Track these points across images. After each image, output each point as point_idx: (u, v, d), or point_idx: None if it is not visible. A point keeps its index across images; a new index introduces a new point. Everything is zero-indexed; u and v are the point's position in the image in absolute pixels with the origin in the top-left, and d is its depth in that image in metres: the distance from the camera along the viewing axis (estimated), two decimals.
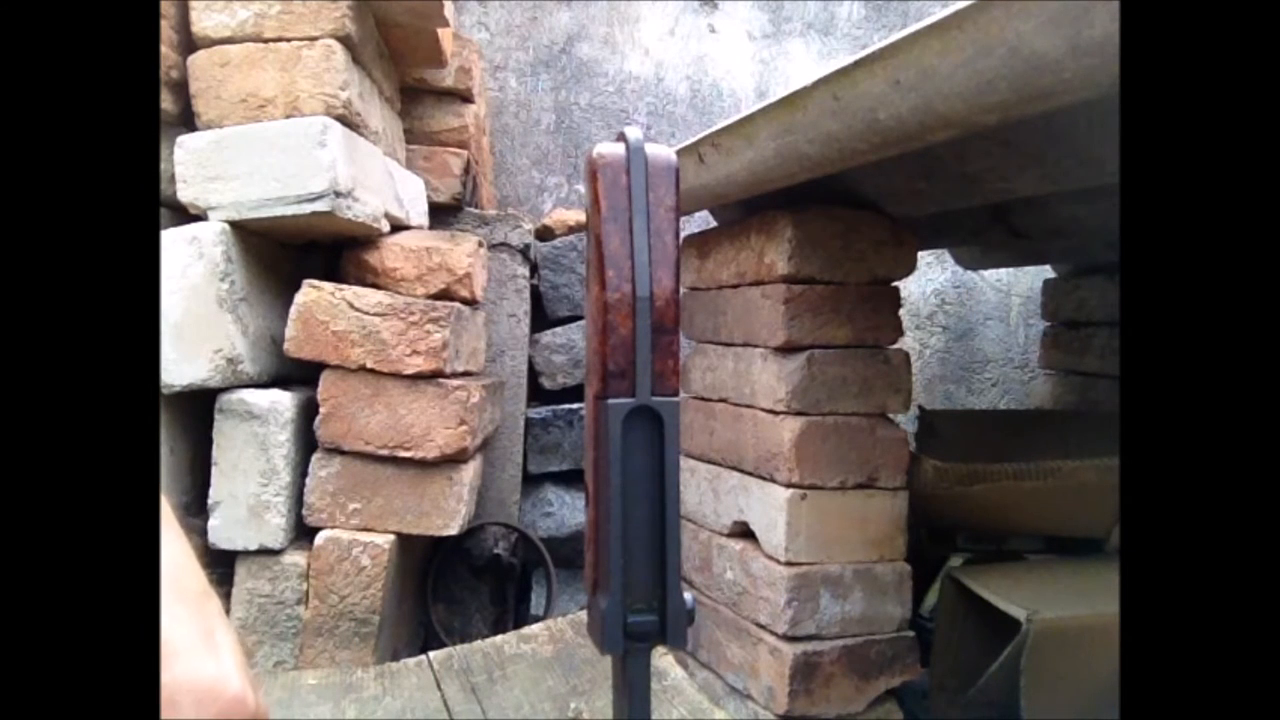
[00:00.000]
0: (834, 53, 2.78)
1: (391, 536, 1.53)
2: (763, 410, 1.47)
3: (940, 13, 0.86)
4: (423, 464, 1.54)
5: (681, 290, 1.56)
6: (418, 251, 1.64)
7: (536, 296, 2.21)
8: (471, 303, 1.71)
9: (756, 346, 1.49)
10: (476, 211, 2.14)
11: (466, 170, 2.11)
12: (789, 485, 1.40)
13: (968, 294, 2.84)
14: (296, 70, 1.50)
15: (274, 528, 1.48)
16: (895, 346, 1.48)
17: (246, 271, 1.49)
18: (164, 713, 0.21)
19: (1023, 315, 2.83)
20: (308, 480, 1.52)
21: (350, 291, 1.52)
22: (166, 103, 1.54)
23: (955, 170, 1.25)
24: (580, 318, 2.22)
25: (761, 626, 1.45)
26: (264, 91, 1.50)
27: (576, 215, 2.39)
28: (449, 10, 1.90)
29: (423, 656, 1.44)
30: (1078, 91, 0.78)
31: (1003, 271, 2.75)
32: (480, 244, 1.74)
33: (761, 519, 1.47)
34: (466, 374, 1.70)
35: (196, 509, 1.48)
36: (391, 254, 1.63)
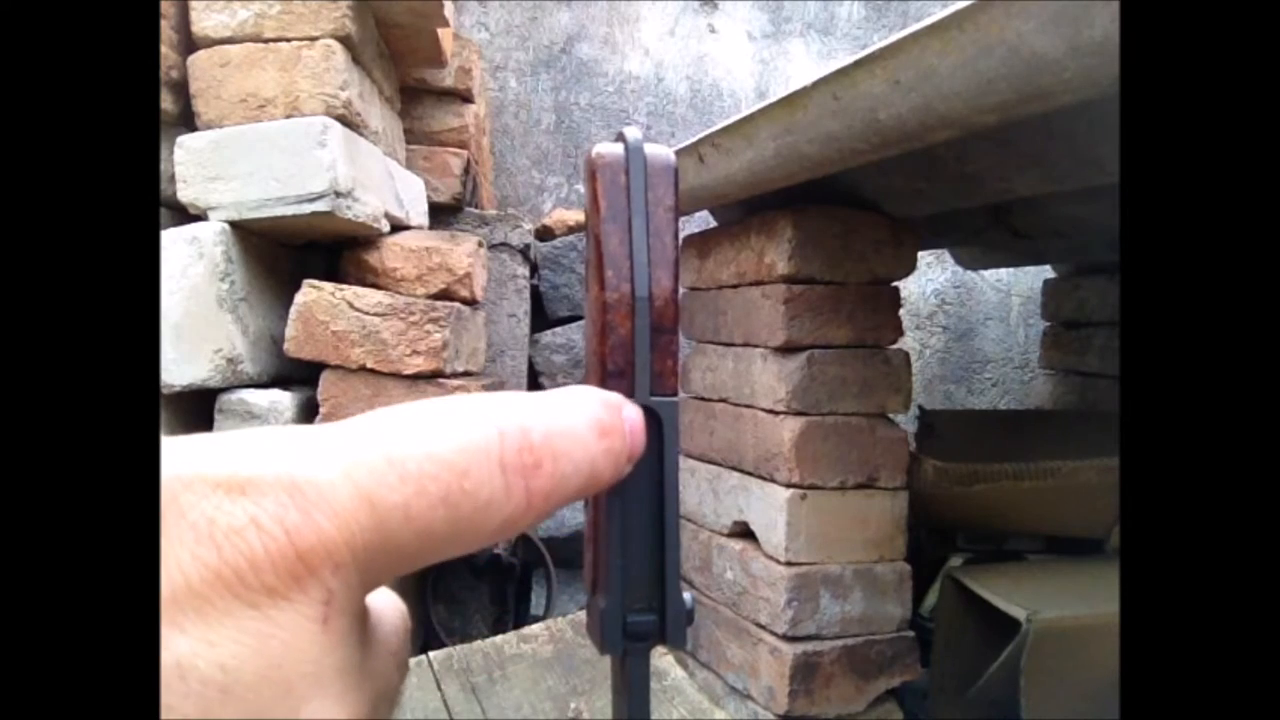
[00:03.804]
0: (834, 53, 2.78)
1: None
2: (763, 410, 1.47)
3: (940, 13, 0.86)
4: None
5: (681, 290, 1.55)
6: (418, 251, 1.64)
7: (536, 296, 2.21)
8: (471, 303, 1.71)
9: (756, 346, 1.49)
10: (476, 211, 2.14)
11: (466, 170, 2.11)
12: (789, 485, 1.40)
13: (968, 294, 2.84)
14: (296, 70, 1.50)
15: None
16: (895, 346, 1.48)
17: (246, 271, 1.49)
18: None
19: (1023, 315, 2.83)
20: None
21: (350, 291, 1.52)
22: (166, 103, 1.54)
23: (955, 170, 1.25)
24: (580, 317, 2.22)
25: (761, 626, 1.45)
26: (264, 91, 1.50)
27: (576, 215, 2.39)
28: (449, 10, 1.90)
29: (423, 656, 1.44)
30: (1078, 91, 0.78)
31: (1003, 271, 2.75)
32: (480, 244, 1.74)
33: (761, 519, 1.47)
34: (466, 374, 1.70)
35: None
36: (391, 254, 1.63)
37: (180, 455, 0.16)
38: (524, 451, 0.19)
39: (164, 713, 0.15)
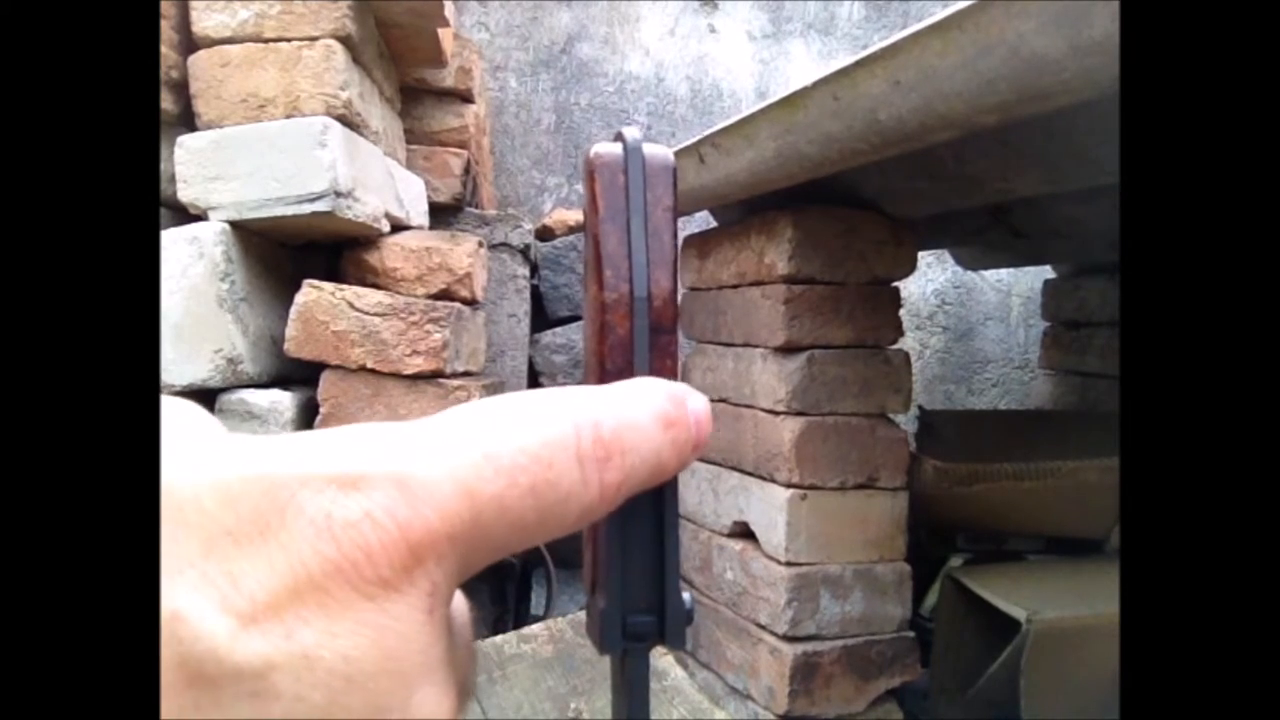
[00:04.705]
0: (834, 53, 2.78)
1: None
2: (763, 410, 1.47)
3: (940, 13, 0.86)
4: None
5: (681, 290, 1.55)
6: (418, 251, 1.64)
7: (536, 296, 2.21)
8: (471, 303, 1.71)
9: (756, 346, 1.49)
10: (476, 211, 2.14)
11: (466, 170, 2.11)
12: (789, 485, 1.40)
13: (968, 294, 2.84)
14: (297, 70, 1.50)
15: None
16: (895, 346, 1.48)
17: (246, 271, 1.49)
18: None
19: (1023, 315, 2.83)
20: None
21: (350, 291, 1.52)
22: (166, 103, 1.54)
23: (955, 170, 1.25)
24: (580, 318, 2.22)
25: (761, 626, 1.45)
26: (264, 91, 1.50)
27: (576, 215, 2.39)
28: (449, 10, 1.90)
29: None
30: (1078, 91, 0.78)
31: (1003, 271, 2.75)
32: (480, 244, 1.74)
33: (761, 519, 1.47)
34: (466, 374, 1.70)
35: None
36: (392, 254, 1.63)
37: (292, 453, 0.17)
38: (597, 445, 0.19)
39: (294, 702, 0.15)
